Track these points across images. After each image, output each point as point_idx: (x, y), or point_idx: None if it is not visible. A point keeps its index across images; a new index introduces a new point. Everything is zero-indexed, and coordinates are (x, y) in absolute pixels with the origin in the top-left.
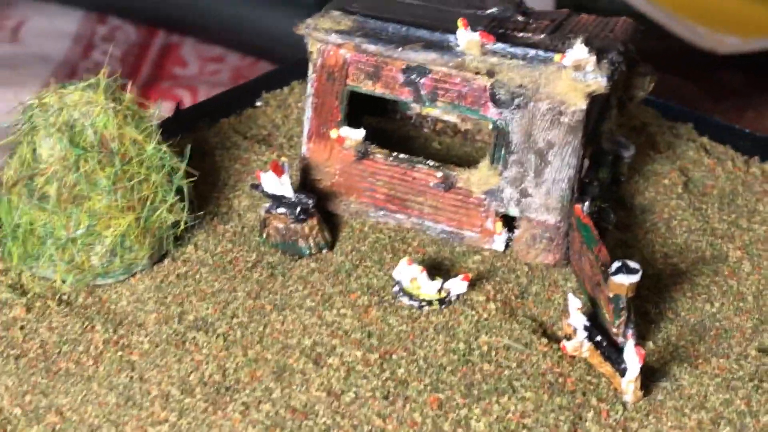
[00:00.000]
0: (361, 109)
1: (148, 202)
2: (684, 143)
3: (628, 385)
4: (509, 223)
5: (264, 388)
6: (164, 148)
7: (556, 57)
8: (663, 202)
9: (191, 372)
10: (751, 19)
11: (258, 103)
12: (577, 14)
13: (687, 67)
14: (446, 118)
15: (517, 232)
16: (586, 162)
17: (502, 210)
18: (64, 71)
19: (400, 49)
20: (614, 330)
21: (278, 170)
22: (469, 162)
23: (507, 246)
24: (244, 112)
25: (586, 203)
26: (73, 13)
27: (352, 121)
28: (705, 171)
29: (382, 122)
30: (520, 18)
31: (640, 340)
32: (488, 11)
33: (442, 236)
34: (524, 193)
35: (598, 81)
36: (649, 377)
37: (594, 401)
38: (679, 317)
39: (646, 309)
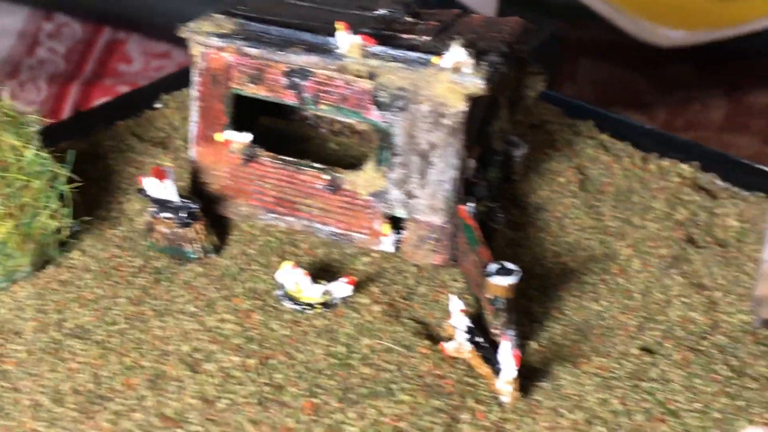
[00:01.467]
0: (258, 110)
1: (29, 209)
2: (583, 141)
3: (504, 386)
4: (398, 224)
5: (137, 396)
6: (44, 153)
7: (434, 59)
8: (557, 201)
9: (65, 381)
10: (694, 12)
11: (157, 105)
12: (468, 15)
13: (637, 60)
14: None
15: (405, 233)
16: (472, 162)
17: (389, 211)
18: (6, 69)
19: (282, 52)
20: (494, 331)
21: (160, 175)
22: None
23: (397, 247)
24: (143, 115)
25: (471, 204)
26: (19, 10)
27: (245, 123)
28: (602, 169)
29: (280, 123)
30: (409, 19)
31: (523, 340)
32: (377, 12)
33: (332, 238)
34: (410, 195)
35: (475, 83)
36: (530, 377)
37: (471, 403)
38: (564, 316)
39: (531, 309)
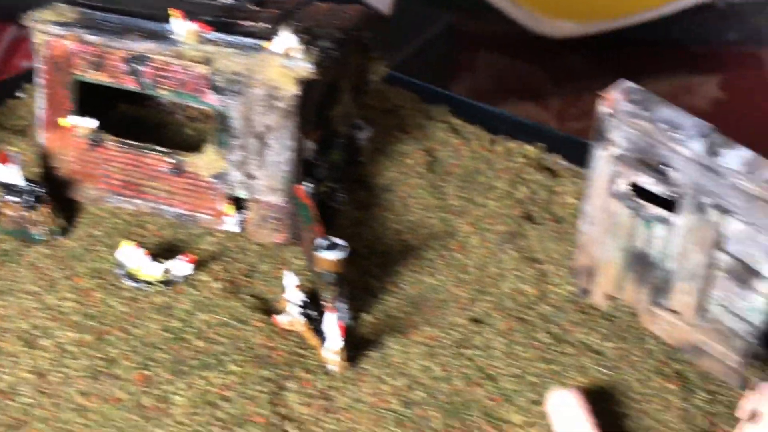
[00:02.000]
0: (116, 97)
1: None
2: (435, 125)
3: (331, 355)
4: (241, 204)
5: None
6: None
7: (265, 45)
8: (404, 182)
9: None
10: (587, 3)
11: (19, 95)
12: (312, 3)
13: (533, 51)
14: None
15: (247, 213)
16: (311, 144)
17: (231, 192)
18: None
19: (121, 39)
20: (324, 304)
21: (4, 159)
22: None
23: (242, 227)
24: (5, 104)
25: (308, 184)
26: None
27: (103, 109)
28: (451, 151)
29: (137, 110)
30: (252, 7)
31: (357, 313)
32: (223, 1)
33: (178, 219)
34: (250, 176)
35: (305, 67)
36: (361, 348)
37: (299, 372)
38: (401, 290)
39: (370, 284)
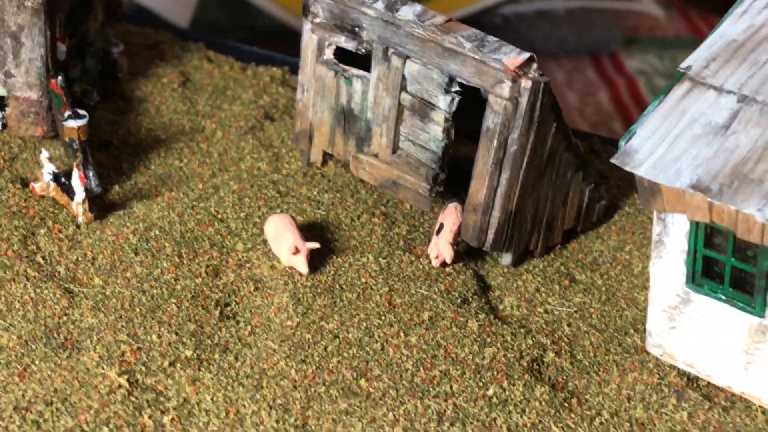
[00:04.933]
0: None
1: None
2: (191, 55)
3: (77, 207)
4: (2, 102)
5: None
6: None
7: None
8: (158, 95)
9: None
10: None
11: None
12: None
13: None
14: None
15: (8, 110)
16: (63, 48)
17: None
18: None
19: None
20: (74, 167)
21: None
22: None
23: (4, 124)
24: None
25: (60, 77)
26: None
27: None
28: (204, 74)
29: None
30: None
31: (108, 186)
32: None
33: None
34: (8, 74)
35: None
36: (109, 210)
37: (50, 223)
38: (149, 170)
39: (121, 166)
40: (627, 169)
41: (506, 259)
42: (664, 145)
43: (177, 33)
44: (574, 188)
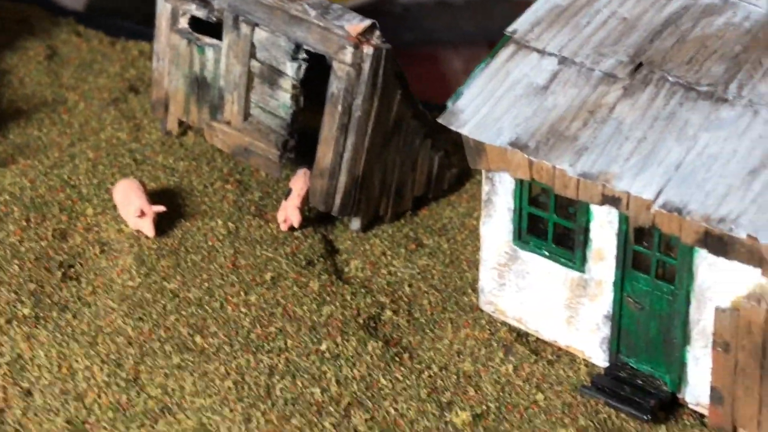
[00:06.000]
0: None
1: None
2: (60, 29)
3: None
4: None
5: None
6: None
7: None
8: (23, 67)
9: None
10: None
11: None
12: None
13: None
14: None
15: None
16: None
17: None
18: None
19: None
20: None
21: None
22: None
23: None
24: None
25: None
26: None
27: None
28: (72, 47)
29: None
30: None
31: None
32: None
33: None
34: None
35: None
36: None
37: None
38: (6, 140)
39: None
40: (452, 128)
41: (355, 224)
42: (488, 105)
43: (48, 8)
44: (423, 155)
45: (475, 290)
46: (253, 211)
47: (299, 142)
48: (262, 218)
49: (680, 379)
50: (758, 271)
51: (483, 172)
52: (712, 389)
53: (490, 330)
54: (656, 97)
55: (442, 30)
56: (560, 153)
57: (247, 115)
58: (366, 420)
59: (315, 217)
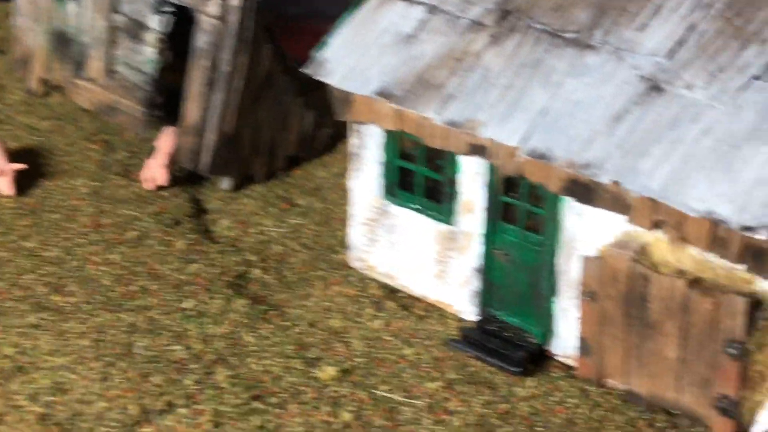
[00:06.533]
0: None
1: None
2: None
3: None
4: None
5: None
6: None
7: None
8: None
9: None
10: None
11: None
12: None
13: None
14: None
15: None
16: None
17: None
18: None
19: None
20: None
21: None
22: None
23: None
24: None
25: None
26: None
27: None
28: None
29: None
30: None
31: None
32: None
33: None
34: None
35: None
36: None
37: None
38: None
39: None
40: (318, 78)
41: (225, 183)
42: (355, 55)
43: None
44: (295, 113)
45: (346, 249)
46: (119, 171)
47: (168, 100)
48: (128, 178)
49: (549, 331)
50: (624, 218)
51: (351, 125)
52: (581, 340)
53: (359, 287)
54: (522, 44)
55: (327, 4)
56: (427, 101)
57: (111, 72)
58: (229, 377)
59: (183, 177)
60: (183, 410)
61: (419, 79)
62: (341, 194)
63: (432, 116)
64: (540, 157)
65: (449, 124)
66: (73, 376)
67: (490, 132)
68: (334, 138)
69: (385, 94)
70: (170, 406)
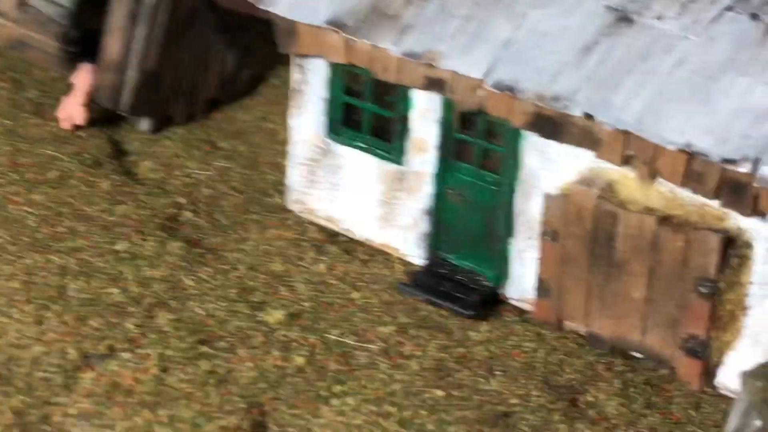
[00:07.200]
0: None
1: None
2: None
3: None
4: None
5: None
6: None
7: None
8: None
9: None
10: None
11: None
12: None
13: None
14: None
15: None
16: None
17: None
18: None
19: None
20: None
21: None
22: None
23: None
24: None
25: None
26: None
27: None
28: None
29: None
30: None
31: None
32: None
33: None
34: None
35: None
36: None
37: None
38: None
39: None
40: (261, 7)
41: (144, 124)
42: None
43: None
44: (217, 53)
45: (279, 192)
46: (31, 110)
47: (87, 37)
48: (42, 117)
49: (503, 274)
50: (590, 153)
51: (293, 60)
52: (539, 281)
53: (298, 230)
54: None
55: None
56: (382, 32)
57: (24, 5)
58: (172, 320)
59: (101, 117)
60: (126, 354)
61: (373, 9)
62: (266, 137)
63: (389, 47)
64: (506, 89)
65: (407, 56)
66: (5, 320)
67: (451, 64)
68: (255, 80)
69: (336, 24)
70: (112, 351)
